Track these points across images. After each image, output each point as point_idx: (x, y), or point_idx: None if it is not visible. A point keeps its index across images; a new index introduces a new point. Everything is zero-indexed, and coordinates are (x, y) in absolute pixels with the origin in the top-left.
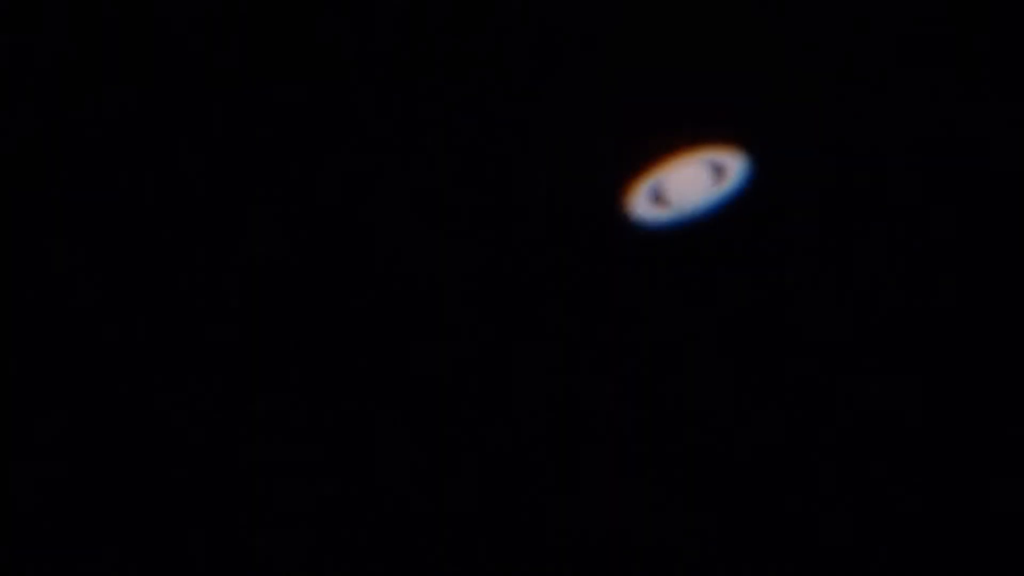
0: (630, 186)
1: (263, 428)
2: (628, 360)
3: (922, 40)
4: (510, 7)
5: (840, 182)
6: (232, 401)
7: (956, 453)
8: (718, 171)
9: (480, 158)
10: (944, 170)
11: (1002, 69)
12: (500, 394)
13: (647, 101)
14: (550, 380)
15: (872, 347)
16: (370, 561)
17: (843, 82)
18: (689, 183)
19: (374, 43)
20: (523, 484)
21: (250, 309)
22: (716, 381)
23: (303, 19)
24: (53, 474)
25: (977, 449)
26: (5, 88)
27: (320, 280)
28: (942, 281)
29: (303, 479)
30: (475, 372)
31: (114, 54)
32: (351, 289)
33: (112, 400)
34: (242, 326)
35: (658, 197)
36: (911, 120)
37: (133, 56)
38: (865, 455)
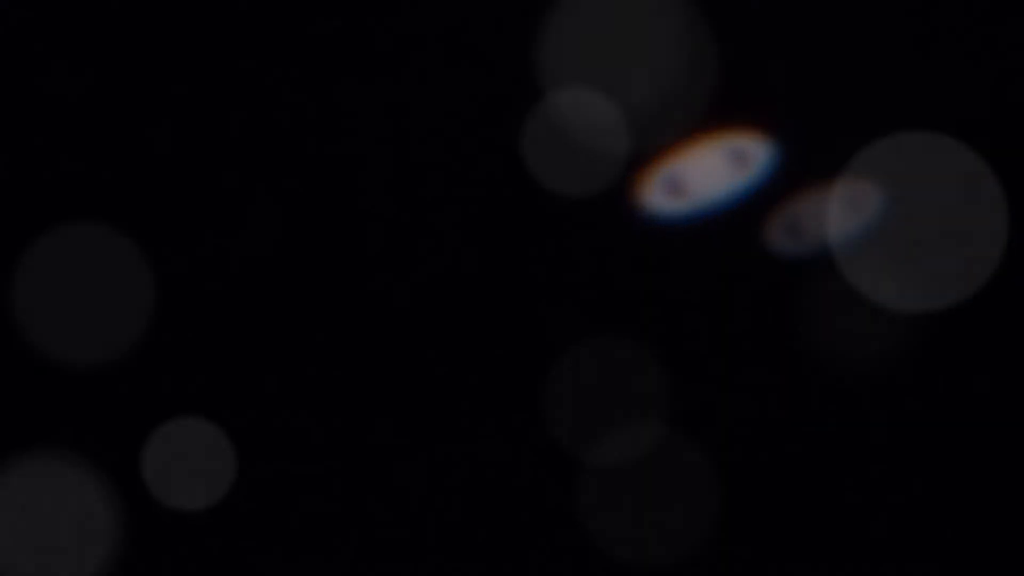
0: (643, 175)
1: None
2: (639, 360)
3: (953, 23)
4: None
5: (872, 171)
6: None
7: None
8: (740, 159)
9: (483, 148)
10: (978, 160)
11: None
12: (504, 394)
13: (660, 81)
14: (557, 380)
15: (904, 346)
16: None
17: (875, 61)
18: (708, 172)
19: (376, 36)
20: (525, 486)
21: (246, 309)
22: (735, 384)
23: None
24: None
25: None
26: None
27: (320, 280)
28: (978, 276)
29: (301, 486)
30: (478, 372)
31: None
32: (352, 285)
33: (109, 401)
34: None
35: (674, 188)
36: (944, 106)
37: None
38: (894, 459)
